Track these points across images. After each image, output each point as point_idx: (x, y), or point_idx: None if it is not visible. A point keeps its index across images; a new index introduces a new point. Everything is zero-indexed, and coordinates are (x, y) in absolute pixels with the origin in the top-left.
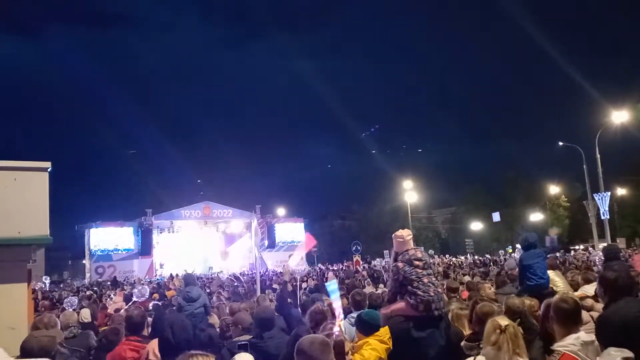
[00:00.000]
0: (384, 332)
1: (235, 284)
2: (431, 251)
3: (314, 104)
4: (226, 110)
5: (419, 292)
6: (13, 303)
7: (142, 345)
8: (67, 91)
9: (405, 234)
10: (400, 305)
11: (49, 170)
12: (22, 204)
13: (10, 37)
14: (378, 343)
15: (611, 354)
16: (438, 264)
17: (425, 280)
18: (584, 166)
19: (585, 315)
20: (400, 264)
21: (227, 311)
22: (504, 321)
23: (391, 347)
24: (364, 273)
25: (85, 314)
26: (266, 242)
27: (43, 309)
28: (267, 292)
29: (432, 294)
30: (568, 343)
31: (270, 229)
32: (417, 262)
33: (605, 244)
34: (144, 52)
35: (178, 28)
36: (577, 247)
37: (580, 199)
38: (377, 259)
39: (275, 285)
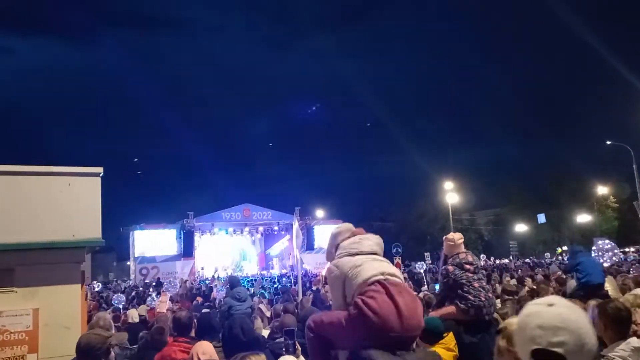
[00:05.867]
0: (449, 339)
1: (276, 285)
2: (482, 256)
3: (355, 104)
4: (267, 112)
5: (470, 297)
6: (68, 303)
7: (191, 346)
8: (114, 96)
9: (457, 237)
10: (450, 309)
11: (100, 175)
12: (76, 208)
13: (60, 43)
14: (445, 352)
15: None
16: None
17: (476, 284)
18: (634, 165)
19: None
20: (450, 267)
21: (268, 314)
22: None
23: (458, 354)
24: (405, 276)
25: (134, 315)
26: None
27: (91, 308)
28: (307, 293)
29: (483, 298)
30: (618, 349)
31: (309, 231)
32: (467, 266)
33: None
34: (188, 56)
35: (225, 31)
36: (627, 249)
37: (630, 199)
38: (419, 262)
39: (314, 287)
